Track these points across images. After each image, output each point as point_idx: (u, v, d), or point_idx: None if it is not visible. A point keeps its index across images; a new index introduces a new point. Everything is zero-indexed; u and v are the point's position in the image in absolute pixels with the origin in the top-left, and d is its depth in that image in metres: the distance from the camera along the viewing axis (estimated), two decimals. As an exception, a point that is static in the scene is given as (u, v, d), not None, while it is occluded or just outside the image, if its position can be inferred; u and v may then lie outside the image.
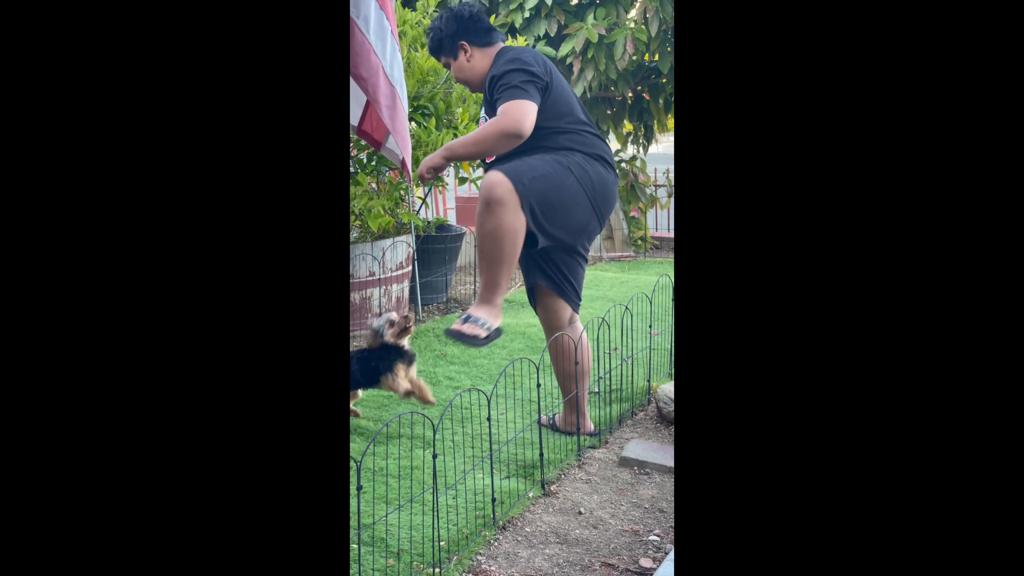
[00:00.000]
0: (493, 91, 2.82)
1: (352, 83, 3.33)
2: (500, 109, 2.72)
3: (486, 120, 2.96)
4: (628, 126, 7.17)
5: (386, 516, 2.34)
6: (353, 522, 2.28)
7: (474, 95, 4.39)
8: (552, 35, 5.97)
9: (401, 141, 3.50)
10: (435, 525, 2.20)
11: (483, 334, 2.71)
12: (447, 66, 3.00)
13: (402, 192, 4.44)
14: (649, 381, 3.45)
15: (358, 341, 4.11)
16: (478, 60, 2.94)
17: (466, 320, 2.71)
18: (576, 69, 5.95)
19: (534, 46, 5.91)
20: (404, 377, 2.94)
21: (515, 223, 2.68)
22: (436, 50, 2.97)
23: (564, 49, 5.85)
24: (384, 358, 2.93)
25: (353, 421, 3.07)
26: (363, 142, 3.96)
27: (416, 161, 4.30)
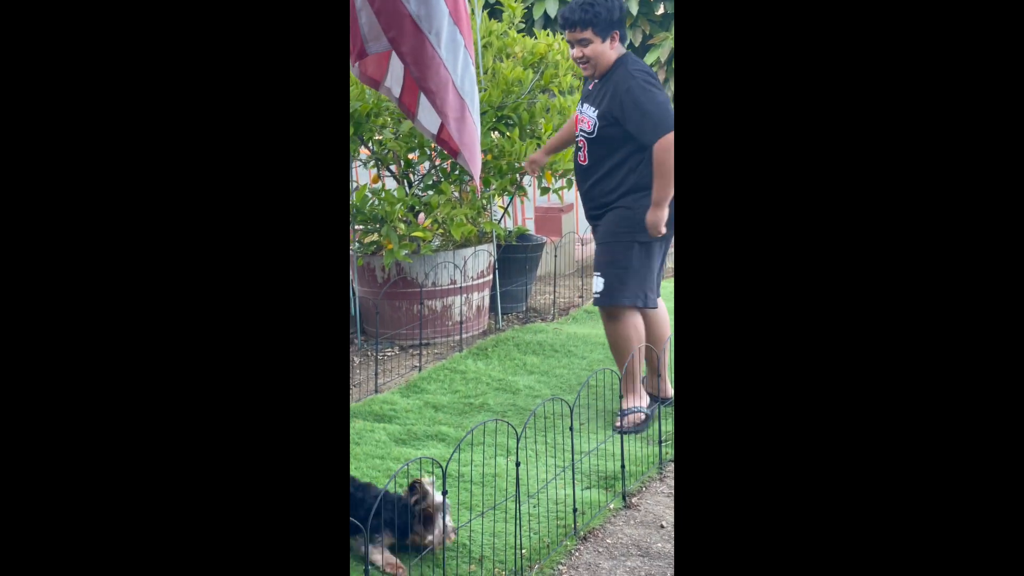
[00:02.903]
0: (633, 118, 3.03)
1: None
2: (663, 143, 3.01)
3: (589, 116, 3.15)
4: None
5: (469, 522, 2.36)
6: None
7: (558, 106, 4.40)
8: (636, 45, 5.96)
9: (468, 153, 3.52)
10: (517, 533, 2.21)
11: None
12: (581, 43, 3.09)
13: (484, 201, 4.47)
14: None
15: (437, 348, 4.16)
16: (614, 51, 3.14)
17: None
18: (661, 78, 5.92)
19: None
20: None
21: None
22: (585, 23, 3.06)
23: (649, 59, 5.83)
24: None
25: (436, 428, 3.11)
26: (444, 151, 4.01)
27: (499, 170, 4.33)
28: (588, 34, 3.06)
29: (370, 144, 4.35)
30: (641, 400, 3.17)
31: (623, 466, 2.65)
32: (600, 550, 2.34)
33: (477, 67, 4.45)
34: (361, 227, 4.24)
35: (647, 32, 5.93)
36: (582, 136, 3.19)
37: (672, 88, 5.91)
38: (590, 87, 3.22)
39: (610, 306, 3.16)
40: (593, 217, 3.28)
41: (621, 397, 2.99)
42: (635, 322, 3.17)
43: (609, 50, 3.10)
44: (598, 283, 3.17)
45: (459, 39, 3.36)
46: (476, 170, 3.57)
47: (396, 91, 3.59)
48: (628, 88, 3.04)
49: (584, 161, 3.21)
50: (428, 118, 3.60)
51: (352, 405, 3.32)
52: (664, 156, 2.99)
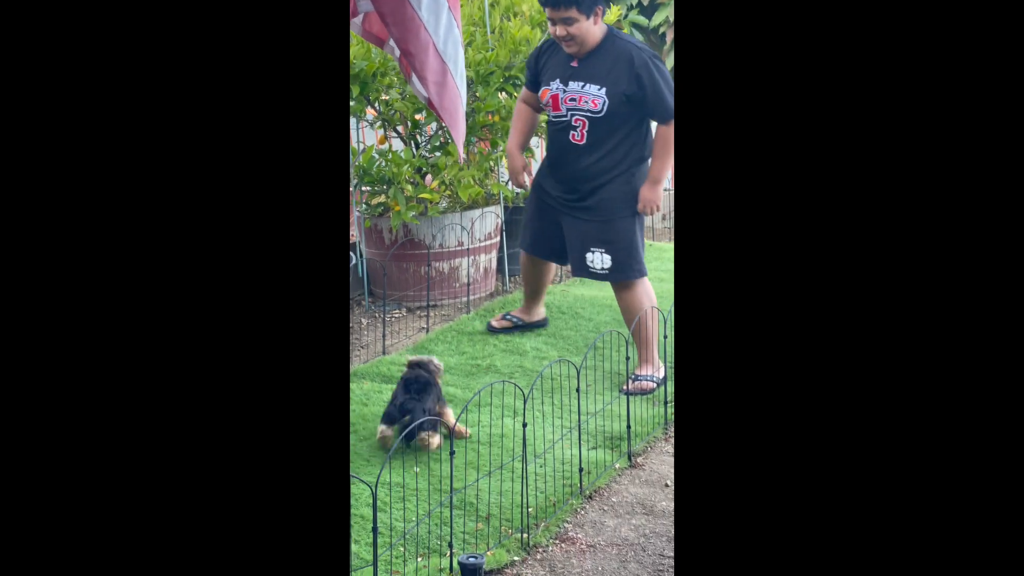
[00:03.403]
0: (654, 100, 3.07)
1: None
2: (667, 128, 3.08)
3: (592, 95, 3.11)
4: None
5: (477, 481, 2.39)
6: (445, 485, 2.34)
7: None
8: (645, 4, 5.90)
9: (449, 119, 3.48)
10: (523, 492, 2.25)
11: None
12: (565, 21, 3.04)
13: (492, 163, 4.46)
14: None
15: (444, 310, 4.18)
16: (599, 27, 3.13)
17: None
18: (669, 39, 5.87)
19: (626, 15, 5.85)
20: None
21: None
22: (569, 2, 3.00)
23: (657, 18, 5.77)
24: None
25: (443, 389, 3.14)
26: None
27: (506, 130, 4.30)
28: (572, 12, 3.02)
29: (376, 105, 4.33)
30: (657, 370, 3.18)
31: (629, 427, 2.67)
32: (605, 508, 2.37)
33: (484, 26, 4.41)
34: (368, 189, 4.24)
35: (656, -10, 5.87)
36: (581, 116, 3.16)
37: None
38: (573, 64, 3.16)
39: (625, 280, 3.20)
40: (583, 196, 3.24)
41: (628, 358, 3.01)
42: (646, 289, 3.25)
43: (594, 27, 3.08)
44: (605, 259, 3.19)
45: (442, 1, 3.33)
46: (458, 136, 3.53)
47: (397, 51, 3.57)
48: (644, 65, 3.07)
49: (581, 140, 3.18)
50: None
51: (360, 366, 3.35)
52: (670, 135, 3.09)
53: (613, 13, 4.68)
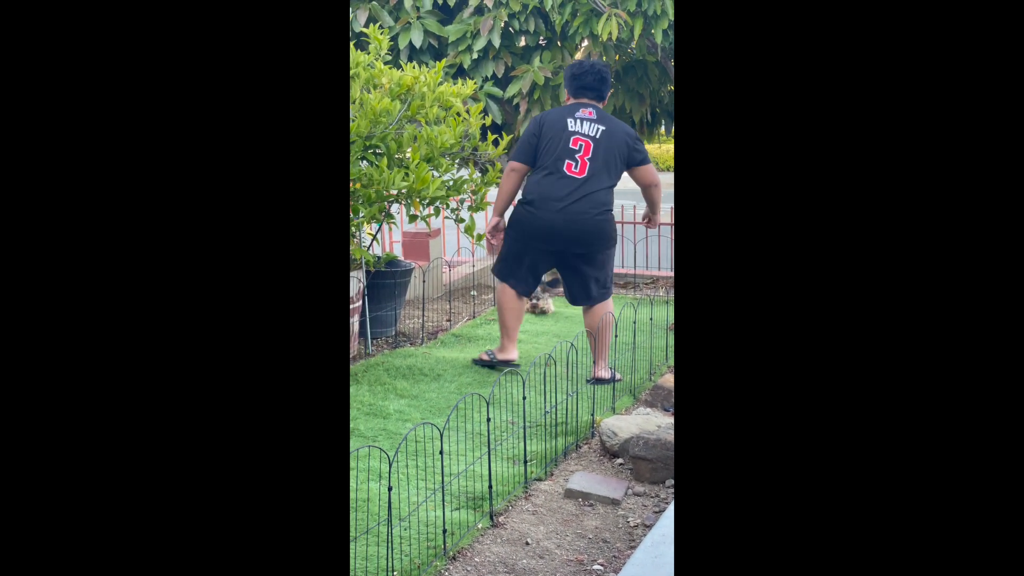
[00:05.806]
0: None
1: None
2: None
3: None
4: (572, 164, 7.35)
5: (342, 547, 2.43)
6: (310, 553, 2.36)
7: (424, 137, 4.52)
8: (500, 76, 6.15)
9: None
10: (388, 556, 2.30)
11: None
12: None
13: (354, 228, 4.53)
14: (593, 415, 3.59)
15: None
16: None
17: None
18: (523, 110, 6.14)
19: (481, 87, 6.09)
20: None
21: None
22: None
23: (511, 90, 6.03)
24: None
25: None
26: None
27: (368, 198, 4.39)
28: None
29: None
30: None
31: (491, 486, 2.77)
32: (468, 569, 2.45)
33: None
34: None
35: (509, 64, 6.14)
36: None
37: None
38: None
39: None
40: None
41: (489, 419, 3.12)
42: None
43: None
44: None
45: None
46: None
47: None
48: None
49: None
50: None
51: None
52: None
53: (469, 86, 4.89)
